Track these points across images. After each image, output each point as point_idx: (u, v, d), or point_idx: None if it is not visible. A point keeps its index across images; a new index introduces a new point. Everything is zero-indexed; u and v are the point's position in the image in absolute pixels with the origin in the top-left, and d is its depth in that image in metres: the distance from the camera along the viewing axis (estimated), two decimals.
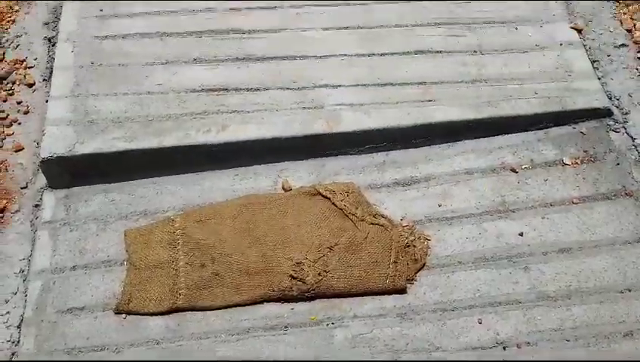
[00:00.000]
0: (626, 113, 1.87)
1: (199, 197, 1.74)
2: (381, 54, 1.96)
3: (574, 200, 1.73)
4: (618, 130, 1.84)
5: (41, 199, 1.76)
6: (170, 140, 1.72)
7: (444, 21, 2.03)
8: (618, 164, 1.79)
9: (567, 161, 1.81)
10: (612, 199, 1.73)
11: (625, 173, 1.77)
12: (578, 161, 1.80)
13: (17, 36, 2.11)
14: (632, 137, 1.83)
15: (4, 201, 1.78)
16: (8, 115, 1.95)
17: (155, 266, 1.58)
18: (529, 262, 1.63)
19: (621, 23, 2.05)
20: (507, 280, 1.60)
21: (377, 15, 2.05)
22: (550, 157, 1.82)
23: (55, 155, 1.68)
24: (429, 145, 1.85)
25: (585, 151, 1.82)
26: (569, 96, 1.86)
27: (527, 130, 1.86)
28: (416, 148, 1.84)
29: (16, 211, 1.76)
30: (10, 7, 2.17)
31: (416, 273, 1.61)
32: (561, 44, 1.98)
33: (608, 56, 1.98)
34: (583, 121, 1.87)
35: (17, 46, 2.08)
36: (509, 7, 2.07)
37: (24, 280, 1.63)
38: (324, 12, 2.05)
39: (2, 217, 1.76)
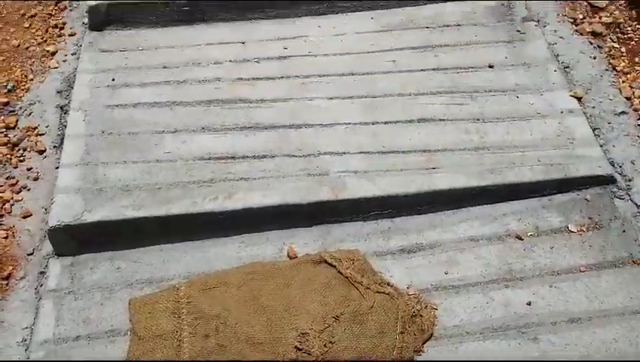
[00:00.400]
0: (630, 180, 1.89)
1: (205, 265, 1.74)
2: (385, 122, 2.00)
3: (581, 268, 1.72)
4: (622, 197, 1.85)
5: (46, 266, 1.76)
6: (177, 208, 1.74)
7: (446, 90, 2.08)
8: (624, 231, 1.79)
9: (572, 228, 1.81)
10: (619, 267, 1.72)
11: (631, 240, 1.77)
12: (584, 228, 1.80)
13: (31, 104, 2.17)
14: (636, 204, 1.83)
15: (10, 268, 1.78)
16: (18, 180, 1.98)
17: (159, 336, 1.57)
18: (538, 332, 1.60)
19: (620, 91, 2.09)
20: (516, 352, 1.57)
21: (380, 84, 2.10)
22: (555, 225, 1.82)
23: (63, 223, 1.69)
24: (434, 212, 1.85)
25: (590, 218, 1.83)
26: (572, 164, 1.88)
27: (531, 197, 1.87)
28: (421, 214, 1.85)
29: (22, 278, 1.76)
30: (26, 75, 2.25)
31: (423, 344, 1.58)
32: (561, 112, 2.02)
33: (609, 123, 2.02)
34: (587, 188, 1.88)
35: (30, 113, 2.14)
36: (508, 76, 2.12)
37: (26, 350, 1.61)
38: (330, 82, 2.11)
39: (7, 284, 1.76)
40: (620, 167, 1.92)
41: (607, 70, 2.16)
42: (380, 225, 1.84)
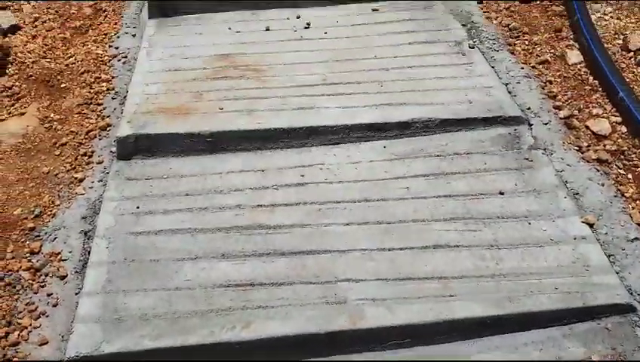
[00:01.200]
0: None
1: None
2: (400, 248, 2.03)
3: None
4: None
5: None
6: (194, 338, 1.74)
7: (459, 216, 2.14)
8: None
9: (595, 358, 1.77)
10: None
11: None
12: (607, 359, 1.76)
13: (56, 229, 2.23)
14: None
15: None
16: (37, 306, 1.99)
17: None
18: None
19: (631, 218, 2.13)
20: None
21: (395, 211, 2.17)
22: (578, 355, 1.78)
23: (81, 354, 1.69)
24: (454, 341, 1.83)
25: (613, 349, 1.79)
26: (589, 292, 1.88)
27: (550, 326, 1.85)
28: (441, 344, 1.83)
29: None
30: (53, 201, 2.34)
31: None
32: (575, 238, 2.05)
33: (623, 250, 2.04)
34: (607, 317, 1.86)
35: (55, 239, 2.20)
36: (519, 202, 2.18)
37: None
38: (346, 208, 2.18)
39: None
40: (639, 294, 1.91)
41: (616, 196, 2.22)
42: (399, 354, 1.81)
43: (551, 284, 1.90)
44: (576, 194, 2.23)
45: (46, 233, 2.22)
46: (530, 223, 2.11)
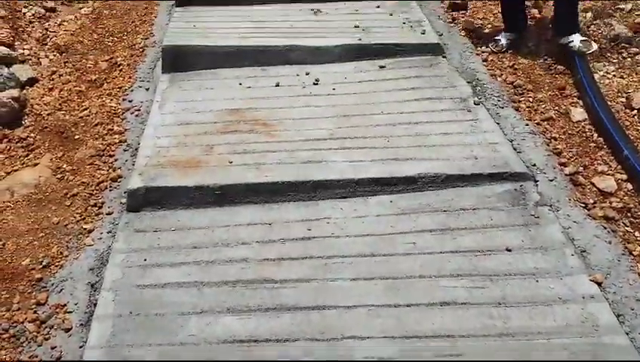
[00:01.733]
0: None
1: None
2: (407, 305, 2.02)
3: None
4: None
5: None
6: None
7: (466, 273, 2.13)
8: None
9: None
10: None
11: None
12: None
13: (63, 280, 2.24)
14: None
15: None
16: (40, 360, 1.98)
17: None
18: None
19: (639, 276, 2.12)
20: None
21: (401, 266, 2.16)
22: None
23: None
24: None
25: None
26: (599, 353, 1.84)
27: None
28: None
29: None
30: (61, 252, 2.36)
31: None
32: (583, 297, 2.03)
33: (632, 309, 2.01)
34: None
35: (61, 290, 2.21)
36: (527, 259, 2.17)
37: None
38: (352, 262, 2.18)
39: None
40: None
41: (623, 254, 2.21)
42: None
43: (560, 345, 1.88)
44: (584, 251, 2.22)
45: (53, 284, 2.23)
46: (537, 281, 2.10)
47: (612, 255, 2.21)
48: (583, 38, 3.20)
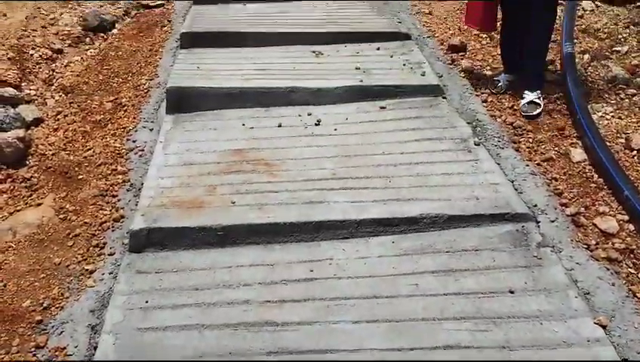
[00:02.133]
0: None
1: None
2: (410, 349, 2.00)
3: None
4: None
5: None
6: None
7: (470, 315, 2.11)
8: None
9: None
10: None
11: None
12: None
13: (63, 322, 2.23)
14: None
15: None
16: None
17: None
18: None
19: None
20: None
21: (404, 308, 2.15)
22: None
23: None
24: None
25: None
26: None
27: None
28: None
29: None
30: (62, 293, 2.34)
31: None
32: (588, 341, 2.01)
33: (638, 353, 1.99)
34: None
35: (61, 333, 2.19)
36: (530, 302, 2.16)
37: None
38: (354, 304, 2.17)
39: None
40: None
41: (627, 297, 2.19)
42: None
43: None
44: (587, 293, 2.21)
45: (53, 326, 2.21)
46: (541, 324, 2.08)
47: (616, 297, 2.19)
48: (533, 100, 3.24)
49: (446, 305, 2.16)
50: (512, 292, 2.20)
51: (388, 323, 2.10)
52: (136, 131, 3.32)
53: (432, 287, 2.24)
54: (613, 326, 2.09)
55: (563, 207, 2.60)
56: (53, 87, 3.74)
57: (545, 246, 2.40)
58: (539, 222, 2.53)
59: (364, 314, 2.13)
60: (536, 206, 2.62)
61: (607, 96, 3.29)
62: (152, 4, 4.95)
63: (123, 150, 3.15)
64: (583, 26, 3.92)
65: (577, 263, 2.34)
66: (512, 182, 2.75)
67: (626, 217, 2.51)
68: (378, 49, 3.98)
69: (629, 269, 2.30)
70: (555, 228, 2.50)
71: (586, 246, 2.41)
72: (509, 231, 2.48)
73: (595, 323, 2.08)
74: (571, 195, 2.67)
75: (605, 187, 2.69)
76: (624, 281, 2.26)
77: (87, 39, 4.36)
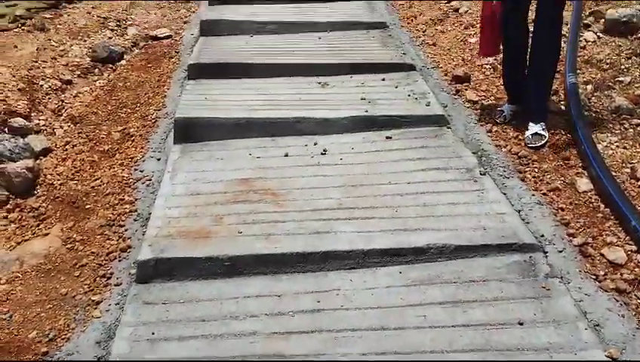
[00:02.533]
0: None
1: None
2: None
3: None
4: None
5: None
6: None
7: (478, 347, 2.09)
8: None
9: None
10: None
11: None
12: None
13: (69, 354, 2.21)
14: None
15: None
16: None
17: None
18: None
19: None
20: None
21: (413, 340, 2.13)
22: None
23: None
24: None
25: None
26: None
27: None
28: None
29: None
30: (68, 324, 2.34)
31: None
32: None
33: None
34: None
35: None
36: (539, 334, 2.14)
37: None
38: (362, 336, 2.15)
39: None
40: None
41: (638, 328, 2.17)
42: None
43: None
44: (597, 325, 2.19)
45: (59, 358, 2.20)
46: (551, 356, 2.06)
47: (626, 329, 2.17)
48: (538, 131, 3.25)
49: (454, 337, 2.14)
50: (521, 323, 2.18)
51: (396, 355, 2.08)
52: (143, 161, 3.35)
53: (440, 319, 2.22)
54: (624, 359, 2.06)
55: (570, 237, 2.60)
56: (62, 118, 3.80)
57: (553, 277, 2.39)
58: (546, 252, 2.52)
59: (372, 346, 2.11)
60: (543, 236, 2.61)
61: (611, 126, 3.31)
62: (161, 35, 5.04)
63: (131, 180, 3.17)
64: (586, 57, 3.96)
65: (586, 294, 2.32)
66: (519, 211, 2.75)
67: (634, 247, 2.50)
68: (383, 80, 4.02)
69: (639, 300, 2.29)
70: (562, 259, 2.49)
71: (594, 276, 2.40)
72: (516, 261, 2.47)
73: (606, 355, 2.05)
74: (578, 225, 2.66)
75: (612, 217, 2.69)
76: (634, 313, 2.24)
77: (96, 70, 4.44)
